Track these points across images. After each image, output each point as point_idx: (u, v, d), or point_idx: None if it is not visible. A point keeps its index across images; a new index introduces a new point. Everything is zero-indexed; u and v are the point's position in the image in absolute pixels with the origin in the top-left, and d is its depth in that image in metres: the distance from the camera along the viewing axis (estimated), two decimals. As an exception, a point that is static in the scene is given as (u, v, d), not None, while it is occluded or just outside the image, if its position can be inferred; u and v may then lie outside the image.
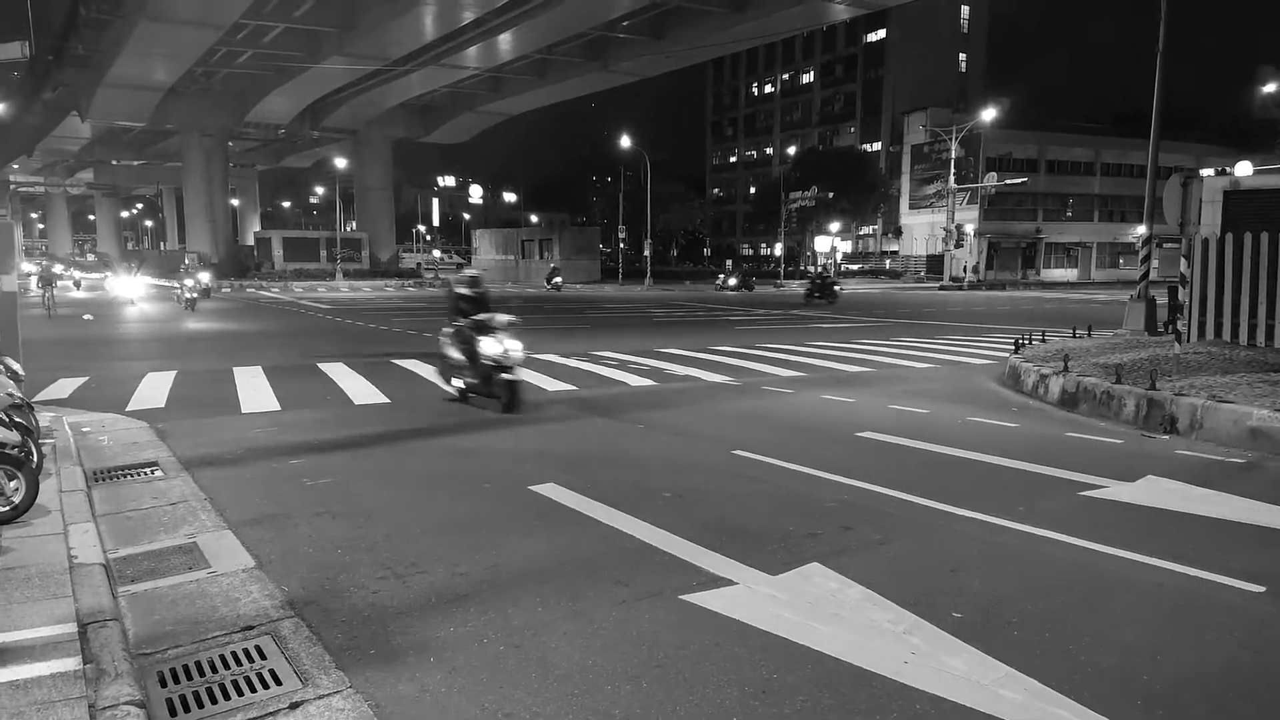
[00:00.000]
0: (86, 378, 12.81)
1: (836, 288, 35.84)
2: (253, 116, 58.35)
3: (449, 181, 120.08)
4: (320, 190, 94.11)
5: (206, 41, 42.56)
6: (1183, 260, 12.78)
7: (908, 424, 9.16)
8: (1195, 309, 12.61)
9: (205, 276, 35.64)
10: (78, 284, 46.70)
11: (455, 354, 10.35)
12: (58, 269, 53.36)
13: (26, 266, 47.59)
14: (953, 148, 55.37)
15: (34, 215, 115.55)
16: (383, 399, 11.03)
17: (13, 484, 5.48)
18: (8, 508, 5.42)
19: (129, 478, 6.96)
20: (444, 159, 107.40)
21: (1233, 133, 68.73)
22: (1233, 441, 8.04)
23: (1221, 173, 14.88)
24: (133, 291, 34.65)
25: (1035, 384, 11.26)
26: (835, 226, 63.12)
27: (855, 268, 71.90)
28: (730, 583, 4.71)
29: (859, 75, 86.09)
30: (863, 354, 16.05)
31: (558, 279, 48.57)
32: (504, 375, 9.67)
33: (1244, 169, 18.07)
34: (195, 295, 29.11)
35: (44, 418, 8.48)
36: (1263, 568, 4.88)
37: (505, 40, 44.80)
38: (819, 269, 56.69)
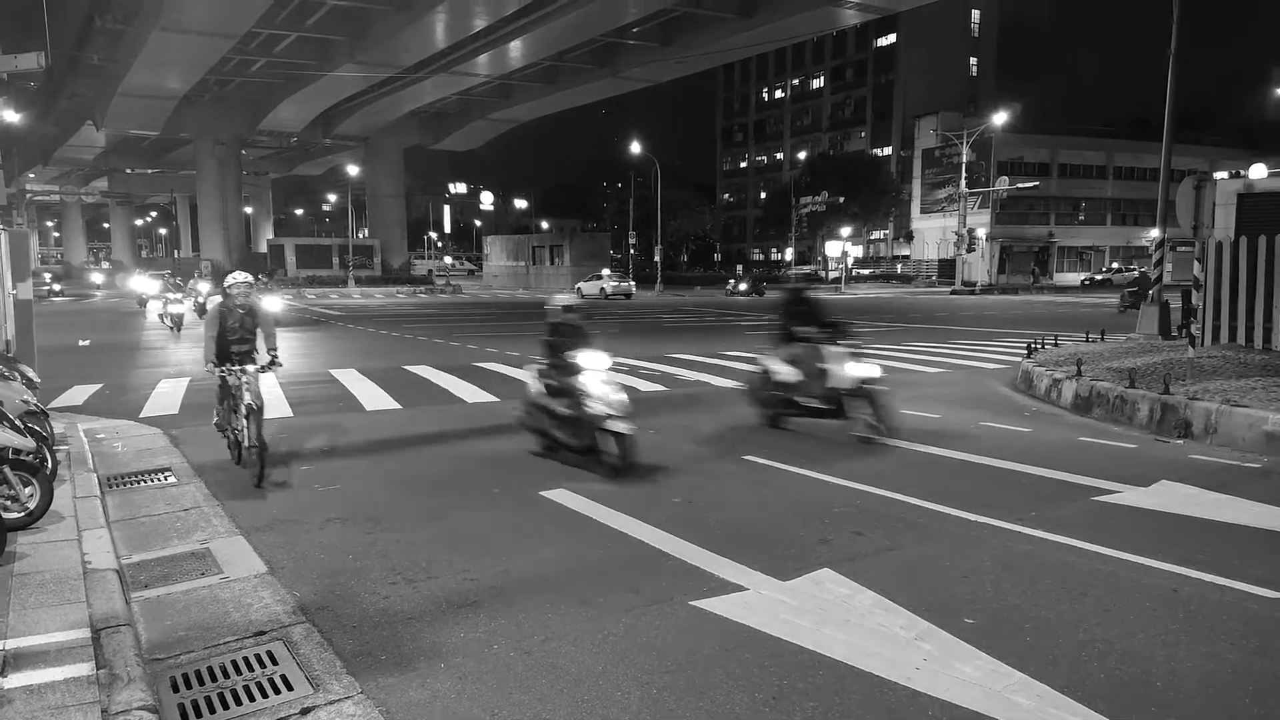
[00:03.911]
0: (101, 385, 12.90)
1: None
2: (265, 125, 58.80)
3: (460, 188, 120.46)
4: (333, 197, 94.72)
5: (219, 50, 42.92)
6: (1196, 264, 12.68)
7: (920, 429, 9.13)
8: (1209, 313, 12.51)
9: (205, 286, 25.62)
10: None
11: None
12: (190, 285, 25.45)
13: (139, 283, 28.02)
14: (964, 152, 55.15)
15: (49, 224, 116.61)
16: (394, 405, 11.07)
17: (28, 490, 5.52)
18: (23, 514, 5.46)
19: (142, 484, 7.01)
20: (455, 166, 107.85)
21: (1248, 135, 68.26)
22: (1248, 446, 7.97)
23: (1236, 175, 14.74)
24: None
25: (1048, 389, 11.20)
26: (846, 231, 62.93)
27: (866, 272, 71.67)
28: (741, 588, 4.70)
29: (869, 80, 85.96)
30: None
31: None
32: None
33: (1258, 171, 17.89)
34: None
35: (58, 424, 8.55)
36: (1279, 573, 4.84)
37: (515, 48, 45.03)
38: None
